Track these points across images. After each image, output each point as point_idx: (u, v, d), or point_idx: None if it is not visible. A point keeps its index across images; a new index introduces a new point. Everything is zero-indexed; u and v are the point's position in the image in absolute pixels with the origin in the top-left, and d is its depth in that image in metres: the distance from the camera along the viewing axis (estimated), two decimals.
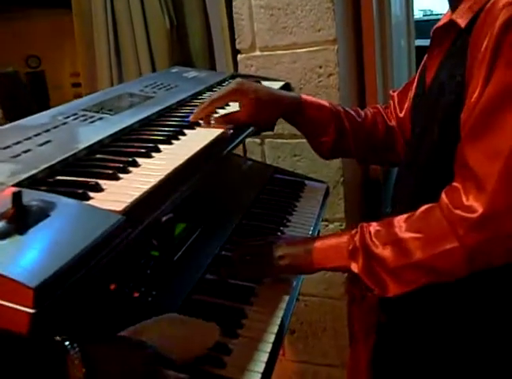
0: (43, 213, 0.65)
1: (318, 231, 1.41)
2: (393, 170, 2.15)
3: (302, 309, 2.00)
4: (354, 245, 1.00)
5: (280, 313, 0.99)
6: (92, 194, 0.74)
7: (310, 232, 1.32)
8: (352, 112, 1.34)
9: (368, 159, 1.49)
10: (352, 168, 1.91)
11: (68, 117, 1.06)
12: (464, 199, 0.88)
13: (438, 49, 1.07)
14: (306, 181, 1.59)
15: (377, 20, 1.91)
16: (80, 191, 0.73)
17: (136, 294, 0.92)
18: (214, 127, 1.11)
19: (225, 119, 1.15)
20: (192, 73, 1.56)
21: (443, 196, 0.92)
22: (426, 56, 1.14)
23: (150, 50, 2.23)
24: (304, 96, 1.29)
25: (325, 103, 1.31)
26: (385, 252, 0.95)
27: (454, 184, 0.92)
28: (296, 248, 1.09)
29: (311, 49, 1.74)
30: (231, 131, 1.10)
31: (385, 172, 2.08)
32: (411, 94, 1.27)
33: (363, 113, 1.36)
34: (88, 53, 2.29)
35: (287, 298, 1.04)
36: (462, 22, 0.96)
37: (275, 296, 1.04)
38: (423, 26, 3.98)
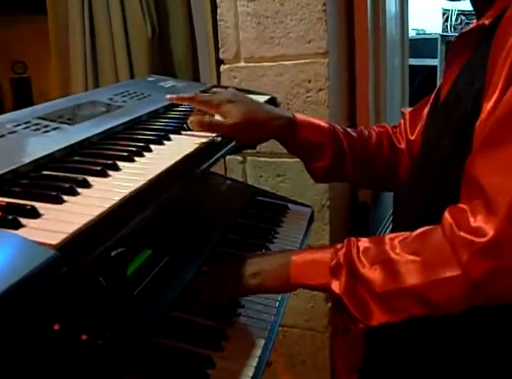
0: None
1: None
2: (382, 194, 2.04)
3: (280, 341, 1.86)
4: (337, 260, 0.87)
5: (253, 362, 0.84)
6: (25, 221, 0.60)
7: None
8: (354, 133, 1.21)
9: (367, 185, 1.35)
10: (339, 191, 1.79)
11: (18, 125, 0.92)
12: (471, 220, 0.75)
13: (457, 60, 0.95)
14: (290, 205, 1.46)
15: (371, 35, 1.80)
16: (10, 217, 0.60)
17: (84, 337, 0.78)
18: (193, 135, 0.99)
19: (208, 125, 1.01)
20: (169, 83, 1.43)
21: (446, 215, 0.79)
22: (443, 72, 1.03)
23: (129, 59, 2.11)
24: (298, 116, 1.15)
25: (323, 124, 1.18)
26: (373, 273, 0.83)
27: (460, 205, 0.79)
28: (271, 263, 0.96)
29: (300, 61, 1.62)
30: (219, 138, 0.99)
31: (374, 195, 1.96)
32: (425, 113, 1.14)
33: (366, 133, 1.23)
34: (62, 59, 2.16)
35: (262, 342, 0.91)
36: (487, 20, 0.84)
37: (249, 340, 0.90)
38: (416, 45, 3.92)
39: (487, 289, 0.76)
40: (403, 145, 1.22)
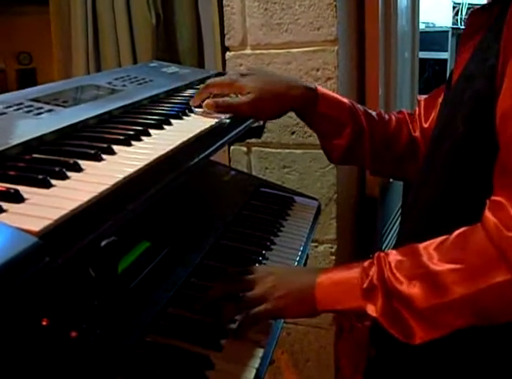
0: None
1: (307, 256, 1.22)
2: (391, 187, 1.98)
3: (283, 338, 1.80)
4: (370, 281, 0.79)
5: (255, 364, 0.78)
6: (7, 205, 0.55)
7: (298, 257, 1.13)
8: (374, 114, 1.16)
9: (383, 171, 1.28)
10: (346, 184, 1.73)
11: (10, 106, 0.87)
12: None
13: (470, 42, 0.89)
14: (296, 197, 1.40)
15: (382, 24, 1.74)
16: None
17: (74, 334, 0.72)
18: (206, 116, 0.95)
19: (224, 105, 0.97)
20: (172, 69, 1.37)
21: (488, 215, 0.72)
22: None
23: (133, 46, 2.05)
24: (321, 89, 1.10)
25: (345, 101, 1.13)
26: (413, 289, 0.76)
27: (496, 198, 0.72)
28: (295, 286, 0.88)
29: (308, 49, 1.56)
30: (228, 120, 0.95)
31: (383, 189, 1.90)
32: (439, 101, 1.09)
33: (386, 116, 1.18)
34: (64, 48, 2.10)
35: (265, 342, 0.84)
36: None
37: (250, 340, 0.84)
38: (426, 38, 3.86)
39: None
40: (417, 133, 1.17)
